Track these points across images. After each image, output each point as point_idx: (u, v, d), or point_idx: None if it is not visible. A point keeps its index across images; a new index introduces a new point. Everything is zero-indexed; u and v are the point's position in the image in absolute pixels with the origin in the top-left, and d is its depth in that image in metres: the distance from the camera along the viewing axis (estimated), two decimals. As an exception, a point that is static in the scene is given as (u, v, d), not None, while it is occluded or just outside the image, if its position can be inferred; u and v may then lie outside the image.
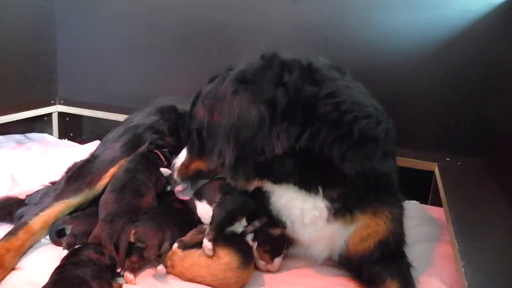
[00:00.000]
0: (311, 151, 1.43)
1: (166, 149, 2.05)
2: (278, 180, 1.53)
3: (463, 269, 1.34)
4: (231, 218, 1.56)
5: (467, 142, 2.45)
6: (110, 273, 1.50)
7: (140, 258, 1.55)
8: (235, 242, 1.56)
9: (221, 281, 1.49)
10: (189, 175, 1.74)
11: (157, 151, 2.01)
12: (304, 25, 2.70)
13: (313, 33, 2.68)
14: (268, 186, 1.58)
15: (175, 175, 1.77)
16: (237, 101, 1.46)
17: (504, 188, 1.93)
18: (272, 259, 1.60)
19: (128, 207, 1.69)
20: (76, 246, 1.56)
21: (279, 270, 1.65)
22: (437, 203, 2.22)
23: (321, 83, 1.48)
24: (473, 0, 2.35)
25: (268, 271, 1.63)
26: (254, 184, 1.58)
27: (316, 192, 1.50)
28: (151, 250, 1.53)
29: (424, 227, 2.07)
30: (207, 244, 1.49)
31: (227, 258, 1.51)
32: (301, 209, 1.55)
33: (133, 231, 1.56)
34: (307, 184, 1.50)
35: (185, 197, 1.78)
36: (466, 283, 1.27)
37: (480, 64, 2.38)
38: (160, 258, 1.53)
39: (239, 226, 1.59)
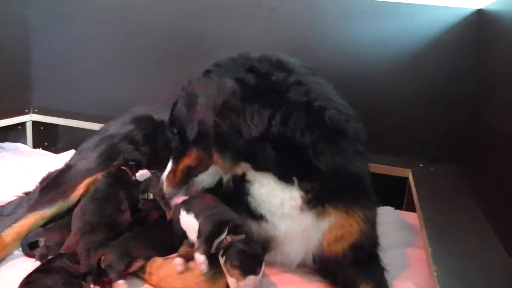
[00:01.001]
0: (285, 138, 1.46)
1: (133, 162, 2.01)
2: (260, 166, 1.54)
3: (435, 273, 1.37)
4: (219, 230, 1.51)
5: (440, 149, 2.51)
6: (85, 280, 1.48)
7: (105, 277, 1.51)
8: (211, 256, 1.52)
9: None
10: (179, 178, 1.69)
11: (124, 168, 1.95)
12: (281, 35, 2.73)
13: (289, 43, 2.70)
14: (250, 173, 1.58)
15: (165, 189, 1.73)
16: (210, 78, 1.57)
17: (476, 193, 1.98)
18: (243, 276, 1.42)
19: (108, 220, 1.67)
20: (50, 257, 1.53)
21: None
22: (412, 208, 2.26)
23: (290, 72, 1.57)
24: (443, 10, 2.42)
25: None
26: (239, 169, 1.59)
27: (292, 183, 1.52)
28: (116, 274, 1.49)
29: (399, 232, 2.10)
30: (199, 258, 1.45)
31: (200, 269, 1.50)
32: (281, 199, 1.54)
33: (102, 258, 1.52)
34: (285, 174, 1.52)
35: None
36: (438, 287, 1.30)
37: (451, 72, 2.45)
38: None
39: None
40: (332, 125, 1.49)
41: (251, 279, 1.43)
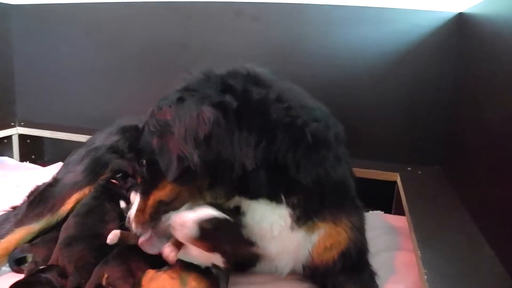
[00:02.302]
0: (270, 160, 1.42)
1: (119, 175, 1.99)
2: (254, 195, 1.49)
3: (425, 276, 1.38)
4: None
5: (427, 152, 2.54)
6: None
7: None
8: (202, 269, 1.52)
9: None
10: (150, 215, 1.48)
11: (114, 181, 1.94)
12: (263, 43, 2.75)
13: (272, 51, 2.72)
14: (245, 204, 1.53)
15: (134, 228, 1.51)
16: (185, 106, 1.39)
17: (463, 195, 2.00)
18: None
19: (88, 231, 1.65)
20: (39, 268, 1.52)
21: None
22: (400, 212, 2.27)
23: (267, 86, 1.49)
24: (424, 14, 2.45)
25: None
26: (233, 202, 1.53)
27: (281, 201, 1.49)
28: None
29: (388, 236, 2.11)
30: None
31: (193, 283, 1.47)
32: (271, 222, 1.52)
33: (106, 276, 1.49)
34: (273, 194, 1.48)
35: (154, 250, 1.51)
36: (428, 290, 1.31)
37: (433, 76, 2.48)
38: None
39: None
40: (313, 139, 1.46)
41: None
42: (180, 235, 1.39)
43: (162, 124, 1.41)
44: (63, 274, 1.49)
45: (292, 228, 1.53)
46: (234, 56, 2.75)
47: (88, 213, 1.74)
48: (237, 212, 1.52)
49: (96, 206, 1.77)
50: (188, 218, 1.38)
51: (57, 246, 1.61)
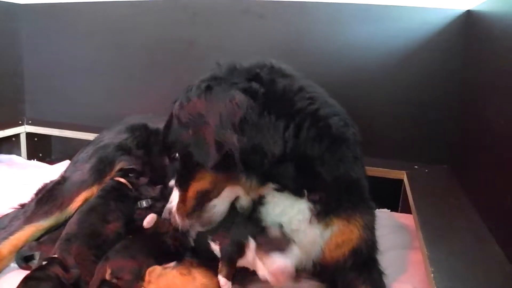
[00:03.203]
0: (298, 151, 1.42)
1: (132, 174, 2.01)
2: (282, 186, 1.48)
3: (432, 275, 1.37)
4: (239, 249, 1.47)
5: (434, 150, 2.53)
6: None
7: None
8: (213, 265, 1.52)
9: None
10: (192, 206, 1.50)
11: (123, 181, 1.95)
12: (270, 40, 2.75)
13: (278, 48, 2.72)
14: (270, 195, 1.52)
15: (178, 221, 1.53)
16: (214, 94, 1.40)
17: (470, 194, 1.99)
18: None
19: (88, 230, 1.66)
20: (43, 262, 1.54)
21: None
22: (407, 210, 2.26)
23: (291, 77, 1.51)
24: (432, 12, 2.44)
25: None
26: (262, 191, 1.52)
27: (303, 195, 1.48)
28: (127, 280, 1.50)
29: (395, 234, 2.11)
30: (221, 280, 1.43)
31: (204, 280, 1.48)
32: (290, 216, 1.52)
33: (109, 271, 1.51)
34: (298, 188, 1.48)
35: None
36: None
37: (441, 74, 2.47)
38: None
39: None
40: (336, 133, 1.47)
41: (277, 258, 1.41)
42: (282, 279, 1.38)
43: (194, 116, 1.42)
44: (66, 268, 1.51)
45: (309, 224, 1.52)
46: (241, 54, 2.76)
47: (90, 211, 1.75)
48: (259, 202, 1.53)
49: (100, 205, 1.78)
50: (284, 263, 1.38)
51: (58, 241, 1.63)
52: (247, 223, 1.52)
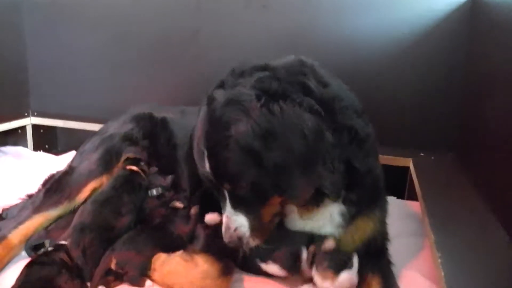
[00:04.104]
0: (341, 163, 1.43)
1: (142, 163, 2.03)
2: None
3: (439, 260, 1.38)
4: (296, 259, 1.52)
5: (440, 138, 2.54)
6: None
7: (117, 278, 1.54)
8: (216, 251, 1.55)
9: None
10: (267, 230, 1.50)
11: (136, 169, 1.95)
12: (274, 30, 2.74)
13: (282, 38, 2.72)
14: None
15: (253, 244, 1.48)
16: (287, 119, 1.32)
17: (475, 181, 1.99)
18: (336, 274, 1.45)
19: (102, 222, 1.68)
20: (49, 248, 1.57)
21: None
22: (413, 197, 2.27)
23: (328, 85, 1.47)
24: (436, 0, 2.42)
25: None
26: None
27: (339, 197, 1.50)
28: (132, 275, 1.52)
29: (402, 221, 2.10)
30: None
31: (206, 265, 1.50)
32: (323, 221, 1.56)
33: (114, 261, 1.54)
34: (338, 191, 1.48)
35: None
36: (442, 274, 1.31)
37: (447, 61, 2.46)
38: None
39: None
40: (363, 134, 1.49)
41: (344, 275, 1.44)
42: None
43: (264, 137, 1.32)
44: (69, 254, 1.54)
45: (340, 225, 1.56)
46: (245, 45, 2.78)
47: (105, 202, 1.75)
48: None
49: (114, 197, 1.79)
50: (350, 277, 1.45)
51: (71, 229, 1.65)
52: (298, 234, 1.56)
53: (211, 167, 1.39)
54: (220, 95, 1.41)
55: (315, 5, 2.66)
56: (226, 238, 1.46)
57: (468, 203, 1.84)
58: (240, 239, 1.45)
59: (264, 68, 1.45)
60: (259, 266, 1.57)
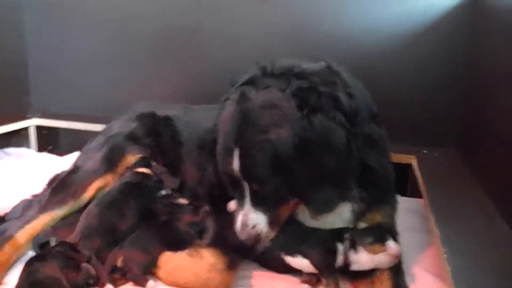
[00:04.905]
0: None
1: (154, 163, 2.05)
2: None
3: (445, 255, 1.39)
4: (334, 256, 1.53)
5: (443, 134, 2.54)
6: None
7: (123, 276, 1.55)
8: (223, 245, 1.56)
9: (205, 281, 1.48)
10: (279, 224, 1.55)
11: (146, 171, 1.97)
12: (274, 25, 2.74)
13: (284, 33, 2.72)
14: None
15: (269, 234, 1.54)
16: (322, 130, 1.37)
17: (479, 175, 2.00)
18: (383, 245, 1.50)
19: (107, 225, 1.68)
20: (53, 245, 1.59)
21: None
22: (416, 194, 2.28)
23: (352, 96, 1.49)
24: (438, -6, 2.42)
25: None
26: None
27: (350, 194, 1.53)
28: (135, 273, 1.53)
29: (405, 218, 2.10)
30: None
31: (212, 259, 1.52)
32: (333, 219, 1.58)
33: (121, 258, 1.56)
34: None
35: None
36: (449, 269, 1.32)
37: (449, 56, 2.46)
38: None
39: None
40: (376, 137, 1.55)
41: (391, 243, 1.49)
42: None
43: (308, 161, 1.38)
44: (74, 248, 1.55)
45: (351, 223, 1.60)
46: (245, 41, 2.78)
47: (109, 204, 1.76)
48: None
49: (120, 201, 1.79)
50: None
51: (77, 234, 1.64)
52: (326, 231, 1.57)
53: (241, 166, 1.42)
54: (255, 95, 1.44)
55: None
56: (242, 235, 1.49)
57: (472, 198, 1.85)
58: (257, 236, 1.49)
59: (300, 74, 1.47)
60: (283, 259, 1.58)
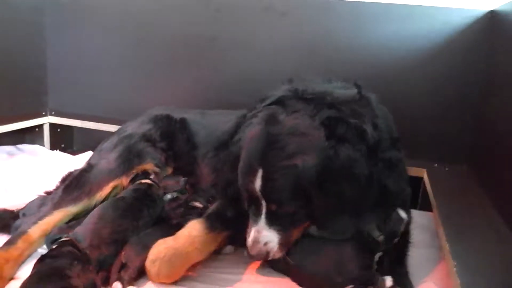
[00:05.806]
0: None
1: (152, 176, 2.03)
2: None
3: (455, 269, 1.39)
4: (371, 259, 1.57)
5: (454, 149, 2.54)
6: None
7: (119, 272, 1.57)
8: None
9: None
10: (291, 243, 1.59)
11: (150, 182, 1.97)
12: (292, 38, 2.77)
13: (301, 46, 2.74)
14: None
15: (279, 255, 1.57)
16: (346, 161, 1.42)
17: (489, 192, 2.00)
18: None
19: (118, 236, 1.67)
20: (62, 239, 1.59)
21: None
22: (426, 208, 2.28)
23: (378, 128, 1.54)
24: (454, 12, 2.44)
25: None
26: None
27: None
28: (129, 271, 1.55)
29: (415, 231, 2.10)
30: None
31: (192, 224, 1.62)
32: None
33: (123, 252, 1.59)
34: None
35: None
36: (459, 282, 1.32)
37: (463, 74, 2.47)
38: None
39: None
40: (395, 161, 1.58)
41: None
42: None
43: (330, 191, 1.43)
44: (77, 247, 1.55)
45: None
46: (262, 52, 2.80)
47: (125, 213, 1.76)
48: None
49: (135, 208, 1.80)
50: None
51: (86, 239, 1.61)
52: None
53: (262, 186, 1.46)
54: (284, 119, 1.48)
55: (334, 14, 2.68)
56: (253, 251, 1.52)
57: (482, 214, 1.85)
58: (267, 253, 1.52)
59: (331, 104, 1.50)
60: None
